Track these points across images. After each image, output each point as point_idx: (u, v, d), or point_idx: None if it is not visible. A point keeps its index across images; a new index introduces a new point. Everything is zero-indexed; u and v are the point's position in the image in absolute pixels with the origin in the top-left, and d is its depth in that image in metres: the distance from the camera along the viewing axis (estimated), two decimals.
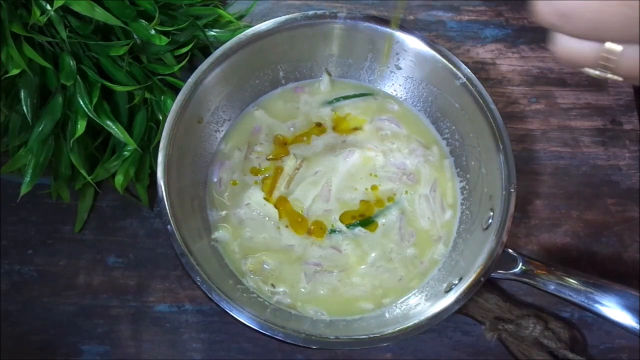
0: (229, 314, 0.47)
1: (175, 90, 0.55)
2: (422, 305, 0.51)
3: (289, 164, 0.57)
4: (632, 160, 0.64)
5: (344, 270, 0.54)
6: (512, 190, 0.51)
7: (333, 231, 0.56)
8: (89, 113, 0.52)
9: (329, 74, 0.61)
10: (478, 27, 0.69)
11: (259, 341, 0.55)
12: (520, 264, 0.51)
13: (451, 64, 0.55)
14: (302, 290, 0.54)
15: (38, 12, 0.51)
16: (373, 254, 0.55)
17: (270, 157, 0.58)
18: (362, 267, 0.55)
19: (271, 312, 0.51)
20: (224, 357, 0.54)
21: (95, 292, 0.56)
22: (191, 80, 0.53)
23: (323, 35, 0.58)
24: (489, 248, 0.49)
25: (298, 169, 0.57)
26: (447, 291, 0.50)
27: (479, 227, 0.53)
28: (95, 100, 0.53)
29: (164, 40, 0.56)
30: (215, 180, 0.57)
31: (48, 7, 0.51)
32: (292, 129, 0.60)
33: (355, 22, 0.56)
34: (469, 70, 0.55)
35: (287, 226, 0.56)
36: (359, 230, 0.56)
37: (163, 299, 0.56)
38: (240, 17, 0.65)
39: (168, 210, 0.49)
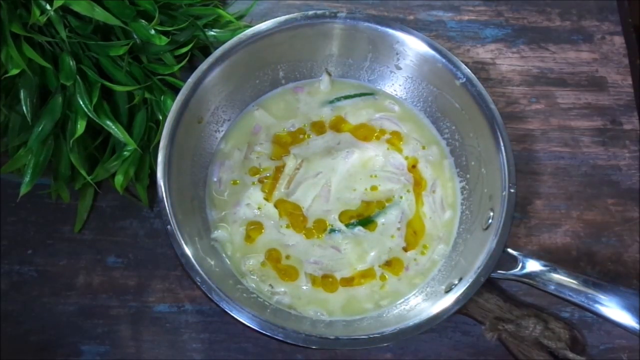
0: (229, 314, 0.47)
1: (175, 90, 0.55)
2: (422, 306, 0.51)
3: (290, 164, 0.57)
4: (632, 160, 0.63)
5: (343, 270, 0.54)
6: (512, 190, 0.51)
7: (333, 230, 0.56)
8: (88, 113, 0.52)
9: (329, 74, 0.61)
10: (478, 27, 0.69)
11: (259, 341, 0.55)
12: (520, 264, 0.50)
13: (451, 64, 0.55)
14: (302, 290, 0.54)
15: (38, 12, 0.51)
16: (372, 253, 0.55)
17: (271, 157, 0.58)
18: (362, 266, 0.55)
19: (271, 312, 0.51)
20: (224, 357, 0.54)
21: (95, 292, 0.56)
22: (191, 80, 0.53)
23: (323, 35, 0.58)
24: (489, 248, 0.49)
25: (298, 169, 0.57)
26: (447, 291, 0.50)
27: (479, 227, 0.53)
28: (95, 100, 0.53)
29: (164, 40, 0.56)
30: (215, 180, 0.57)
31: (48, 7, 0.51)
32: (292, 128, 0.60)
33: (355, 22, 0.56)
34: (469, 70, 0.55)
35: (287, 226, 0.56)
36: (358, 229, 0.56)
37: (163, 299, 0.56)
38: (240, 17, 0.65)
39: (168, 210, 0.49)
